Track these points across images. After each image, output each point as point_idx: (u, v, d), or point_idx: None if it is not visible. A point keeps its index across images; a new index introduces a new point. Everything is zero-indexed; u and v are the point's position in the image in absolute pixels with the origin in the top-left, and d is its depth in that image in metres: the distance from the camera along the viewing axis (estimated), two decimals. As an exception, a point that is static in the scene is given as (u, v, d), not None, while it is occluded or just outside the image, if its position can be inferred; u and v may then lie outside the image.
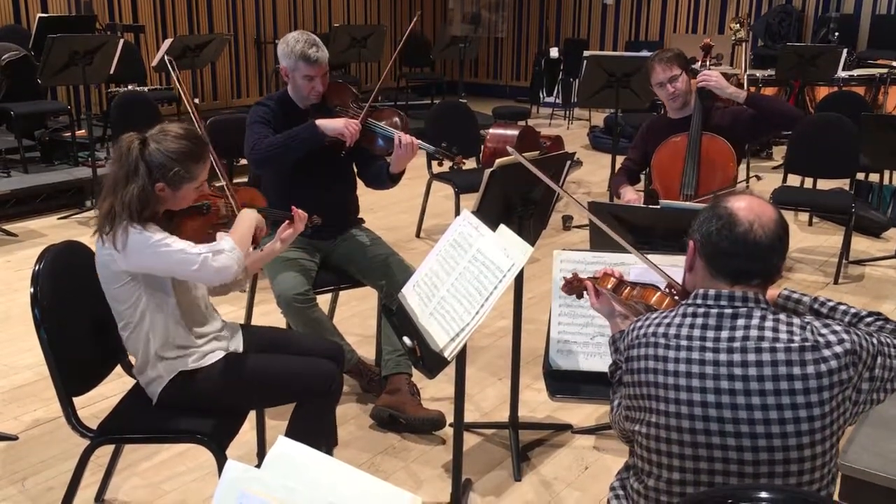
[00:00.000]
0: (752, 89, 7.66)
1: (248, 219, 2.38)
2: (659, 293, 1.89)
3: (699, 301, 1.64)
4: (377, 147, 3.18)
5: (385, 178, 3.20)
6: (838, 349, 1.54)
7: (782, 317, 1.59)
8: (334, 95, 3.17)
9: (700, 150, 3.38)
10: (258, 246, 2.53)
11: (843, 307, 1.80)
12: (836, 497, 2.40)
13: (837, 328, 1.58)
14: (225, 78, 9.43)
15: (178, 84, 2.39)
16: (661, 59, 3.47)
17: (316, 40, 3.06)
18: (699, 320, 1.61)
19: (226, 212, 2.44)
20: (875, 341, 1.62)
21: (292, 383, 2.36)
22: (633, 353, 1.68)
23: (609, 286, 1.99)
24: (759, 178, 4.74)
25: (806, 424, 1.53)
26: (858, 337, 1.58)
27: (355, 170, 3.31)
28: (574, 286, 2.11)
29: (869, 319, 1.76)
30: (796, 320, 1.58)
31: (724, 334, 1.57)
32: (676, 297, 1.85)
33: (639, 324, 1.70)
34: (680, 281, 1.88)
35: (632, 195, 3.47)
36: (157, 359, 2.24)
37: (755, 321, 1.57)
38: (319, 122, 3.00)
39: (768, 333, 1.55)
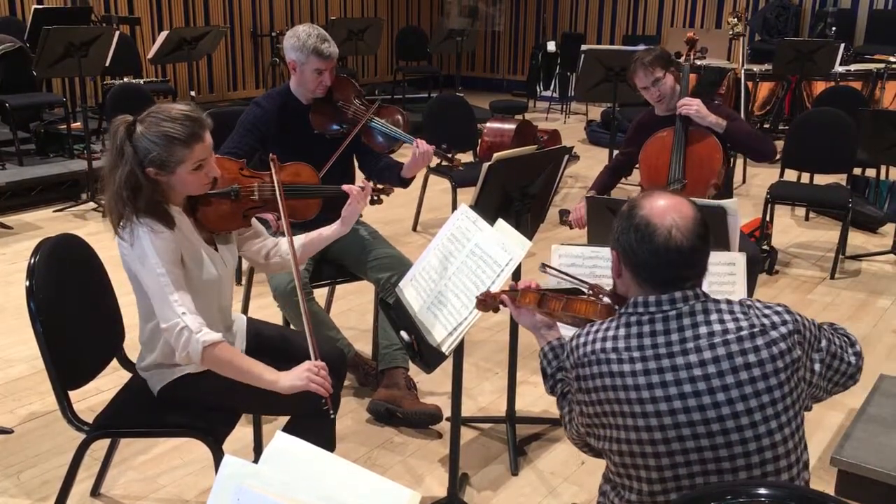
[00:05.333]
0: (750, 84, 7.67)
1: (272, 381, 2.10)
2: (587, 302, 1.80)
3: (640, 309, 1.59)
4: (376, 144, 3.18)
5: (395, 182, 3.19)
6: (783, 329, 1.56)
7: (723, 305, 1.58)
8: (338, 90, 3.16)
9: (686, 143, 3.39)
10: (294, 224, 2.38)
11: None
12: (832, 490, 2.41)
13: (779, 309, 1.59)
14: (221, 71, 9.39)
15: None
16: (643, 63, 3.43)
17: (327, 35, 3.06)
18: (645, 328, 1.57)
19: (262, 195, 2.27)
20: (816, 324, 1.65)
21: (291, 400, 2.24)
22: (583, 373, 1.62)
23: (532, 303, 1.90)
24: None
25: (771, 409, 1.53)
26: (801, 318, 1.61)
27: (356, 164, 3.31)
28: (488, 303, 1.99)
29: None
30: (736, 305, 1.58)
31: (675, 337, 1.55)
32: (606, 300, 1.78)
33: (581, 339, 1.64)
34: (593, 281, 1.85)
35: (579, 214, 3.28)
36: (162, 358, 2.21)
37: (700, 317, 1.55)
38: None
39: (717, 327, 1.54)
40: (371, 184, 2.54)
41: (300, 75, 3.08)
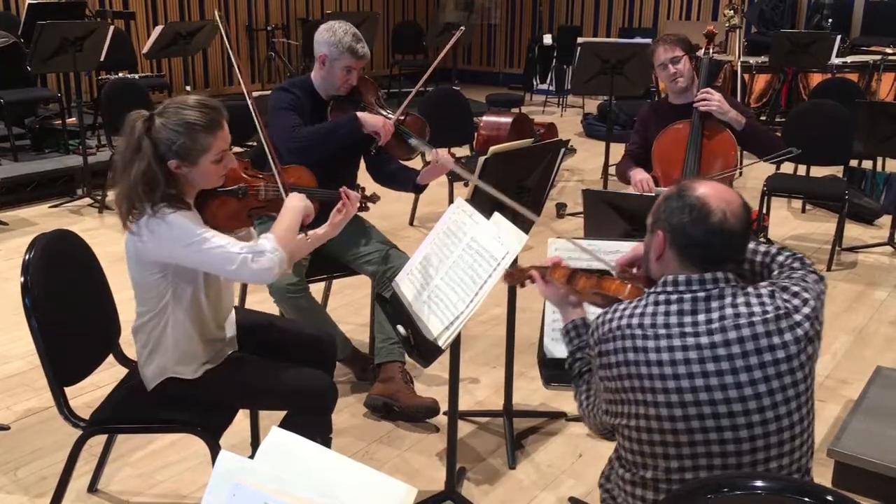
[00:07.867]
0: (747, 76, 7.66)
1: (294, 209, 2.21)
2: (617, 281, 1.83)
3: (670, 288, 1.63)
4: (397, 150, 3.19)
5: (409, 187, 3.23)
6: (807, 310, 1.60)
7: (750, 290, 1.62)
8: (360, 90, 3.16)
9: (702, 137, 3.37)
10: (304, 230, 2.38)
11: (751, 246, 1.81)
12: (829, 482, 2.41)
13: (796, 289, 1.63)
14: (216, 65, 9.37)
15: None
16: (664, 40, 3.46)
17: (361, 35, 3.08)
18: (674, 307, 1.60)
19: (266, 195, 2.30)
20: (812, 282, 1.68)
21: (287, 398, 2.30)
22: (607, 348, 1.64)
23: (561, 278, 1.91)
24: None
25: (792, 390, 1.56)
26: (813, 290, 1.65)
27: (362, 162, 3.31)
28: (516, 276, 2.02)
29: (781, 259, 1.79)
30: (763, 290, 1.62)
31: (702, 318, 1.58)
32: (639, 285, 1.80)
33: (608, 316, 1.67)
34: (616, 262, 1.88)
35: (642, 175, 3.43)
36: (162, 360, 2.20)
37: (728, 300, 1.59)
38: (361, 115, 3.02)
39: (742, 309, 1.58)
40: (360, 191, 2.58)
41: (328, 71, 3.07)
